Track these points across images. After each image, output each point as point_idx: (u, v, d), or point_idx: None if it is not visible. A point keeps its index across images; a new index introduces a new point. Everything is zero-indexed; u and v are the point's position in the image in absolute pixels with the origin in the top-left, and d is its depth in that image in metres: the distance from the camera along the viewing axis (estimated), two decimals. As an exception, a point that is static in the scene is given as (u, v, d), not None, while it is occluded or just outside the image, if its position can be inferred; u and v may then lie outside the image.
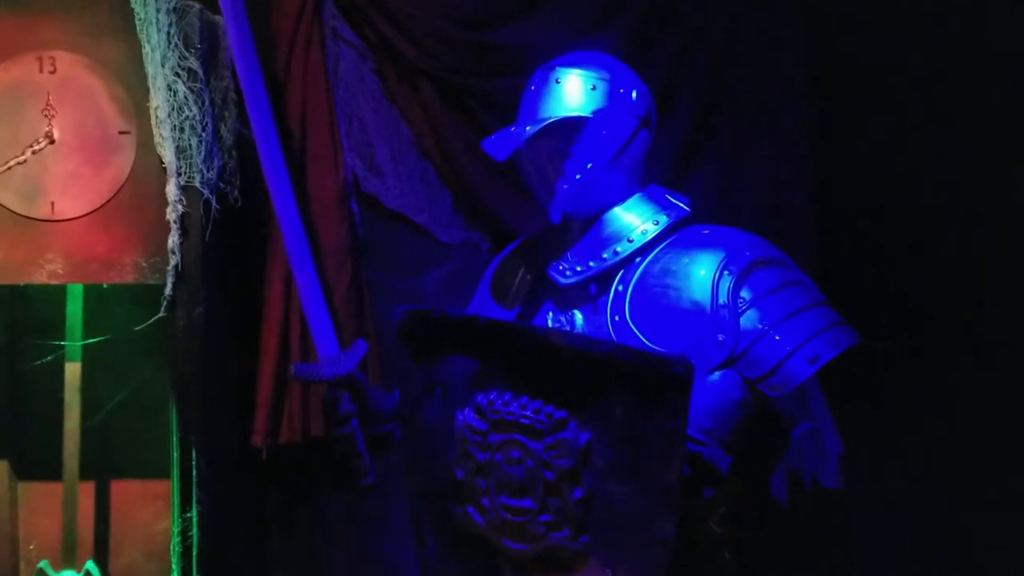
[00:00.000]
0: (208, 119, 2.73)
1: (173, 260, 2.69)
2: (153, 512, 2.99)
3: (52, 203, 2.69)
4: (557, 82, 2.28)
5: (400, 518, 2.90)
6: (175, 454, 2.75)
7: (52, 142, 2.69)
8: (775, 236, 2.32)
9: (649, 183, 2.37)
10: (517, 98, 2.35)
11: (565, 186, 2.26)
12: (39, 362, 2.83)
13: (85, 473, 2.88)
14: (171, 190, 2.68)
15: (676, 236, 2.28)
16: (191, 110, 2.69)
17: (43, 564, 2.81)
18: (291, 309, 2.83)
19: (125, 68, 2.71)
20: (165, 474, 2.80)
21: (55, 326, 2.80)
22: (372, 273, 2.97)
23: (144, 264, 2.71)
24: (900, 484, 2.85)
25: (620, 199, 2.31)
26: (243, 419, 2.86)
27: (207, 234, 2.73)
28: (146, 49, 2.68)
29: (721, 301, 2.14)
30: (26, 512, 2.98)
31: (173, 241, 2.69)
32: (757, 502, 2.36)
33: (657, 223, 2.28)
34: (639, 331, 2.19)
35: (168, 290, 2.70)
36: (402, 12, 2.88)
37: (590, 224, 2.32)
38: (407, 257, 3.05)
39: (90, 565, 2.81)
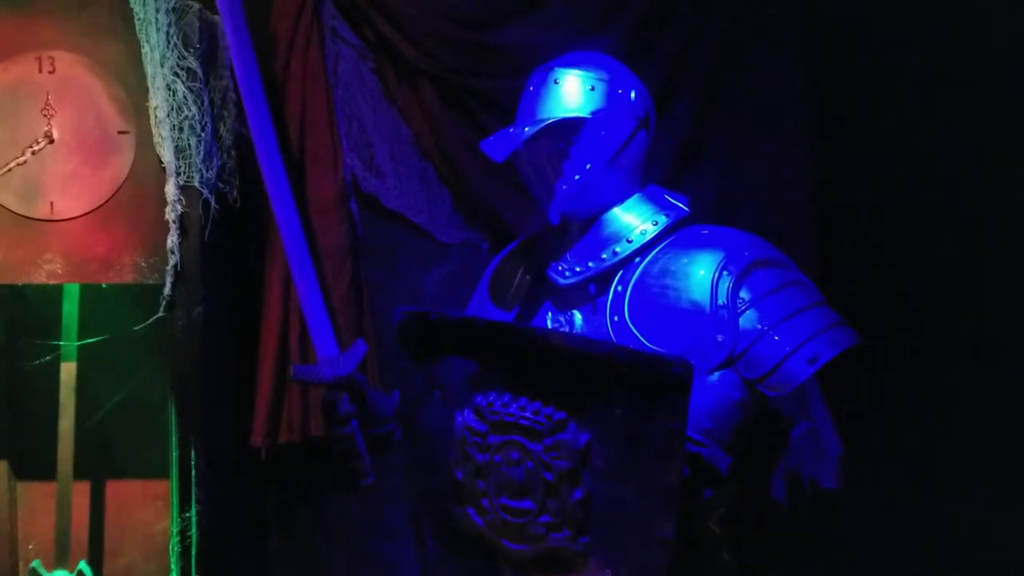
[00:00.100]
0: (207, 119, 2.73)
1: (172, 260, 2.69)
2: (152, 512, 2.99)
3: (51, 203, 2.68)
4: (556, 83, 2.27)
5: (399, 518, 2.90)
6: (174, 454, 2.75)
7: (51, 142, 2.69)
8: (775, 236, 2.32)
9: (648, 183, 2.37)
10: (517, 98, 2.35)
11: (564, 187, 2.26)
12: (38, 362, 2.83)
13: (84, 473, 2.89)
14: (170, 190, 2.68)
15: (675, 236, 2.28)
16: (190, 110, 2.69)
17: (35, 564, 2.81)
18: (290, 309, 2.83)
19: (124, 68, 2.71)
20: (164, 474, 2.80)
21: (54, 326, 2.80)
22: (371, 273, 2.97)
23: (143, 264, 2.71)
24: (900, 484, 2.85)
25: (619, 199, 2.31)
26: (242, 419, 2.86)
27: (206, 234, 2.72)
28: (145, 49, 2.68)
29: (720, 301, 2.14)
30: (25, 512, 2.98)
31: (172, 241, 2.69)
32: (757, 502, 2.36)
33: (656, 223, 2.28)
34: (638, 331, 2.18)
35: (167, 290, 2.70)
36: (402, 12, 2.88)
37: (589, 225, 2.32)
38: (406, 257, 3.05)
39: (82, 565, 2.81)
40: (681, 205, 2.32)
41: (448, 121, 2.94)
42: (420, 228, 3.03)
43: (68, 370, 2.80)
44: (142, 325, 2.76)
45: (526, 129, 2.21)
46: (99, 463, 2.96)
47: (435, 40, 2.89)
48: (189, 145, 2.70)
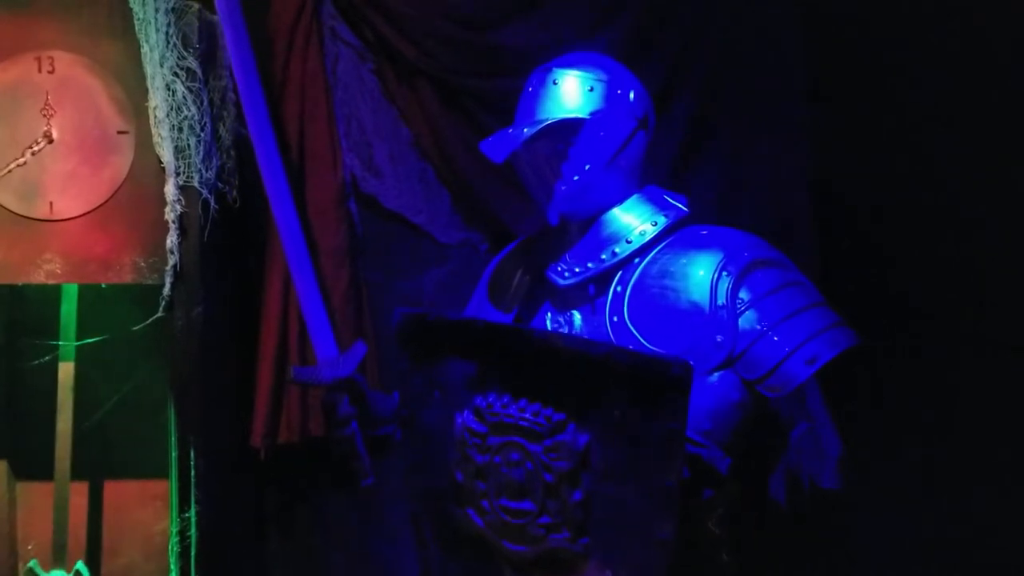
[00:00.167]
0: (207, 119, 2.73)
1: (171, 260, 2.69)
2: (151, 512, 2.99)
3: (50, 203, 2.68)
4: (554, 83, 2.27)
5: (399, 519, 2.89)
6: (173, 454, 2.75)
7: (51, 142, 2.69)
8: (775, 236, 2.32)
9: (647, 183, 2.36)
10: (516, 98, 2.34)
11: (563, 187, 2.26)
12: (37, 362, 2.83)
13: (83, 473, 2.89)
14: (169, 190, 2.68)
15: (674, 237, 2.28)
16: (190, 110, 2.69)
17: (32, 563, 2.82)
18: (290, 309, 2.83)
19: (124, 68, 2.71)
20: (163, 474, 2.80)
21: (53, 326, 2.80)
22: (371, 273, 2.97)
23: (142, 264, 2.71)
24: (900, 484, 2.84)
25: (618, 200, 2.31)
26: (241, 419, 2.86)
27: (205, 234, 2.72)
28: (145, 49, 2.68)
29: (720, 302, 2.14)
30: (24, 512, 2.98)
31: (171, 241, 2.69)
32: (756, 503, 2.35)
33: (655, 224, 2.27)
34: (638, 332, 2.18)
35: (166, 290, 2.70)
36: (401, 12, 2.88)
37: (588, 225, 2.31)
38: (406, 257, 3.05)
39: (79, 565, 2.81)
40: (680, 205, 2.32)
41: (447, 121, 2.94)
42: (419, 228, 3.03)
43: (66, 370, 2.80)
44: (141, 325, 2.76)
45: (525, 130, 2.21)
46: (98, 463, 2.96)
47: (434, 40, 2.88)
48: (188, 145, 2.69)
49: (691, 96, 2.98)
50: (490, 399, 2.02)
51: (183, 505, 2.73)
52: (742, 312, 2.13)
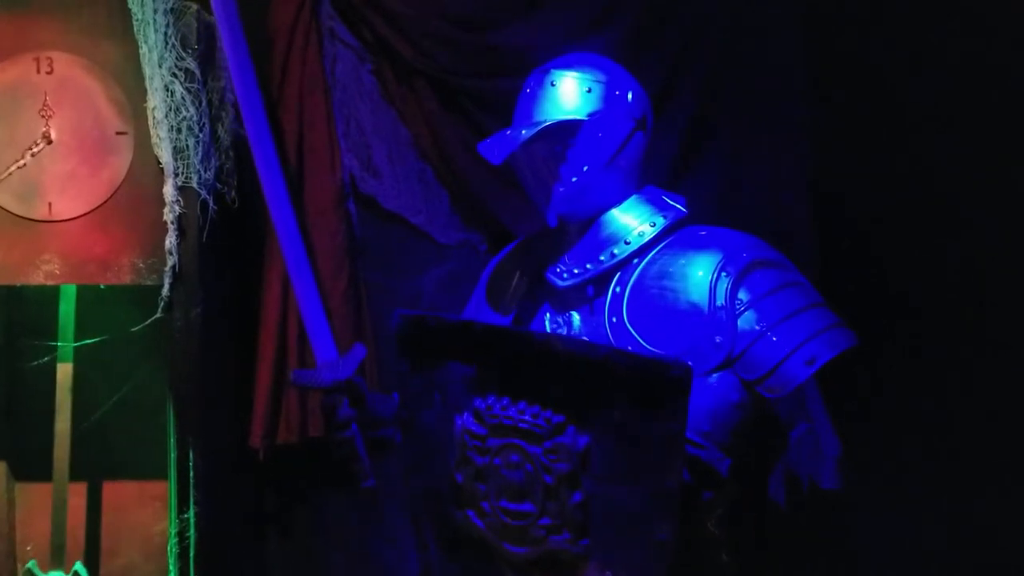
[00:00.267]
0: (205, 120, 2.73)
1: (170, 261, 2.69)
2: (150, 513, 2.99)
3: (49, 204, 2.69)
4: (552, 85, 2.27)
5: (398, 520, 2.89)
6: (172, 455, 2.75)
7: (49, 143, 2.69)
8: (775, 236, 2.32)
9: (646, 184, 2.36)
10: (515, 99, 2.34)
11: (561, 189, 2.26)
12: (36, 363, 2.84)
13: (82, 474, 2.89)
14: (168, 191, 2.68)
15: (673, 237, 2.27)
16: (188, 111, 2.69)
17: (31, 564, 2.82)
18: (288, 309, 2.83)
19: (122, 69, 2.71)
20: (162, 475, 2.80)
21: (51, 327, 2.80)
22: (370, 274, 2.97)
23: (141, 265, 2.71)
24: (900, 484, 2.84)
25: (617, 201, 2.30)
26: (240, 420, 2.86)
27: (204, 235, 2.73)
28: (143, 50, 2.68)
29: (719, 303, 2.13)
30: (24, 513, 2.98)
31: (170, 242, 2.69)
32: (755, 503, 2.35)
33: (654, 225, 2.27)
34: (637, 333, 2.18)
35: (165, 291, 2.70)
36: (400, 13, 2.87)
37: (587, 226, 2.31)
38: (405, 258, 3.04)
39: (78, 566, 2.81)
40: (679, 206, 2.32)
41: (446, 122, 2.94)
42: (418, 229, 3.03)
43: (64, 371, 2.80)
44: (140, 326, 2.77)
45: (523, 132, 2.20)
46: (97, 464, 2.96)
47: (433, 41, 2.88)
48: (187, 146, 2.69)
49: (691, 96, 2.97)
50: (490, 401, 2.01)
51: (182, 506, 2.73)
52: (741, 313, 2.13)
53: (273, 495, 3.02)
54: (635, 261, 2.26)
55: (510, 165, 2.30)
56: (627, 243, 2.26)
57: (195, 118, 2.70)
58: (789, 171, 2.99)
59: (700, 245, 2.22)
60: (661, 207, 2.31)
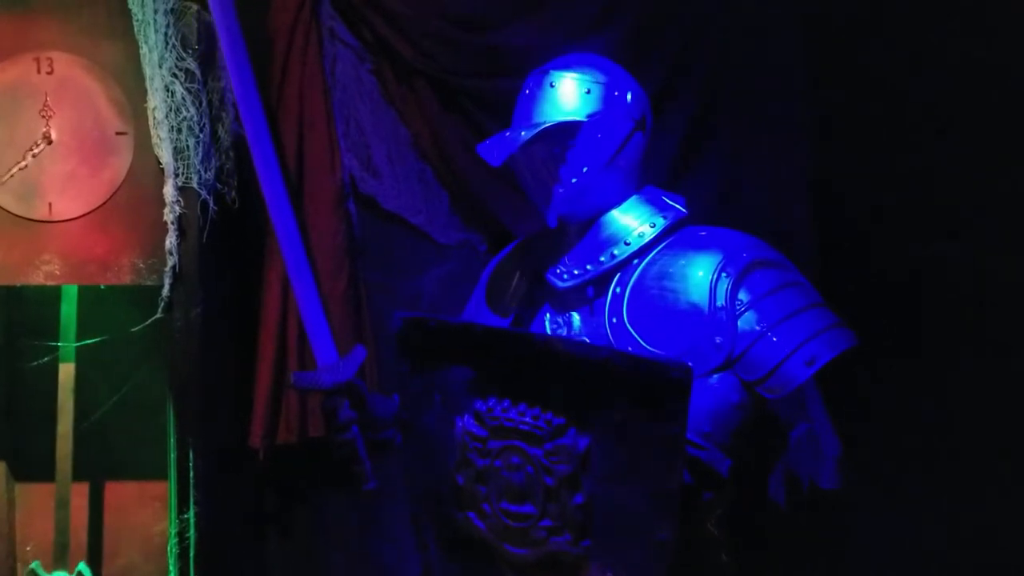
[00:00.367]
0: (205, 120, 2.73)
1: (170, 261, 2.69)
2: (150, 513, 2.99)
3: (49, 204, 2.69)
4: (552, 86, 2.26)
5: (399, 520, 2.89)
6: (172, 455, 2.75)
7: (50, 143, 2.69)
8: (775, 236, 2.32)
9: (646, 184, 2.36)
10: (515, 99, 2.34)
11: (561, 190, 2.25)
12: (37, 363, 2.83)
13: (83, 474, 2.89)
14: (168, 191, 2.68)
15: (673, 238, 2.27)
16: (188, 111, 2.69)
17: (35, 565, 2.82)
18: (288, 310, 2.82)
19: (123, 69, 2.71)
20: (162, 475, 2.80)
21: (52, 327, 2.80)
22: (369, 274, 2.97)
23: (141, 265, 2.71)
24: (900, 484, 2.84)
25: (616, 202, 2.30)
26: (240, 420, 2.85)
27: (204, 235, 2.72)
28: (144, 50, 2.67)
29: (719, 303, 2.14)
30: (24, 513, 2.98)
31: (170, 242, 2.69)
32: (755, 503, 2.35)
33: (654, 225, 2.27)
34: (637, 334, 2.18)
35: (165, 291, 2.70)
36: (400, 13, 2.87)
37: (587, 227, 2.31)
38: (404, 258, 3.04)
39: (82, 566, 2.81)
40: (678, 206, 2.32)
41: (446, 122, 2.93)
42: (418, 229, 3.02)
43: (66, 371, 2.80)
44: (140, 326, 2.77)
45: (522, 133, 2.20)
46: (98, 464, 2.96)
47: (433, 41, 2.88)
48: (187, 146, 2.69)
49: (691, 96, 2.97)
50: (490, 403, 2.01)
51: (182, 506, 2.73)
52: (741, 313, 2.13)
53: (273, 495, 3.02)
54: (635, 262, 2.26)
55: (509, 166, 2.30)
56: (627, 244, 2.26)
57: (195, 118, 2.70)
58: (789, 171, 2.98)
59: (700, 245, 2.22)
60: (661, 207, 2.31)
